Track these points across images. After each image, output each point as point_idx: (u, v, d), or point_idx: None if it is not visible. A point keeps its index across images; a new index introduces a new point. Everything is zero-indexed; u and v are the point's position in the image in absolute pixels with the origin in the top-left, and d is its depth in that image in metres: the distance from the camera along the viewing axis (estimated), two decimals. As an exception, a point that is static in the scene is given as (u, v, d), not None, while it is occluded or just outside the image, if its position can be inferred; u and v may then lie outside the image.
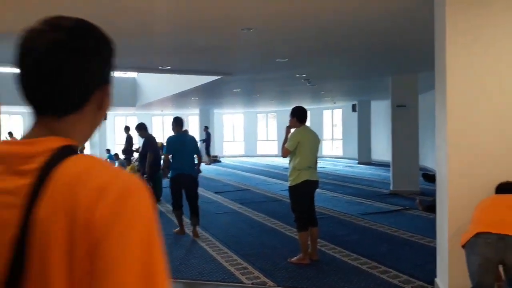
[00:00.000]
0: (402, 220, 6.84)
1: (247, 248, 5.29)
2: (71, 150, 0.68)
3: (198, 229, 5.93)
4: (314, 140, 4.73)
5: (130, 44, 5.94)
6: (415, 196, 8.71)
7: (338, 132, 20.35)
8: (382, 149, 16.63)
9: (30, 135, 0.71)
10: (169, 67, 8.36)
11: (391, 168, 9.67)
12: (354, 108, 17.39)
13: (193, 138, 6.15)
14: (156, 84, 14.89)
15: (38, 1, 3.81)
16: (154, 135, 9.18)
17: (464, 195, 3.28)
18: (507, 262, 2.59)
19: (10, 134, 15.46)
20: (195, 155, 6.02)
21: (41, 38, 0.69)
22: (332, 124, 21.06)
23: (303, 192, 4.55)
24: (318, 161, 4.80)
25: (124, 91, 17.30)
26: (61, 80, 0.69)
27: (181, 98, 14.59)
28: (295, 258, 4.70)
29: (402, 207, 7.82)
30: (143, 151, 7.88)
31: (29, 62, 0.69)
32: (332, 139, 20.72)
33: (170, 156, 5.88)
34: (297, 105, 4.87)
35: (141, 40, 5.66)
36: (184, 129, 6.27)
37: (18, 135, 16.78)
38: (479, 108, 3.31)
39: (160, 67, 8.32)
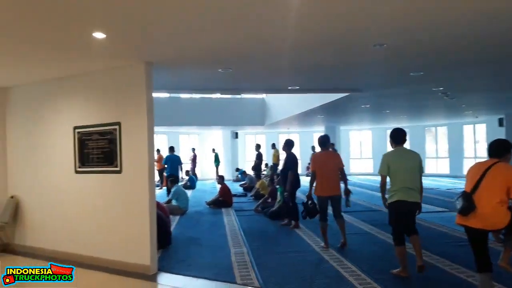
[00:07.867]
0: None
1: (379, 273, 5.01)
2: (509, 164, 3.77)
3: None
4: (410, 161, 4.74)
5: (260, 68, 6.22)
6: None
7: (482, 149, 18.15)
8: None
9: (492, 160, 3.76)
10: (298, 87, 8.53)
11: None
12: (501, 122, 15.46)
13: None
14: (284, 103, 15.36)
15: (184, 38, 4.28)
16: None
17: None
18: None
19: (158, 151, 17.04)
20: None
21: (496, 143, 3.90)
22: (474, 141, 18.98)
23: (395, 212, 4.80)
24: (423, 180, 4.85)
25: (254, 111, 18.26)
26: (502, 151, 3.78)
27: (307, 116, 14.76)
28: (396, 270, 4.91)
29: None
30: (284, 169, 7.99)
31: (493, 147, 3.86)
32: (475, 157, 18.43)
33: None
34: (395, 127, 5.03)
35: (271, 63, 5.86)
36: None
37: (163, 150, 18.00)
38: None
39: (289, 87, 8.54)
